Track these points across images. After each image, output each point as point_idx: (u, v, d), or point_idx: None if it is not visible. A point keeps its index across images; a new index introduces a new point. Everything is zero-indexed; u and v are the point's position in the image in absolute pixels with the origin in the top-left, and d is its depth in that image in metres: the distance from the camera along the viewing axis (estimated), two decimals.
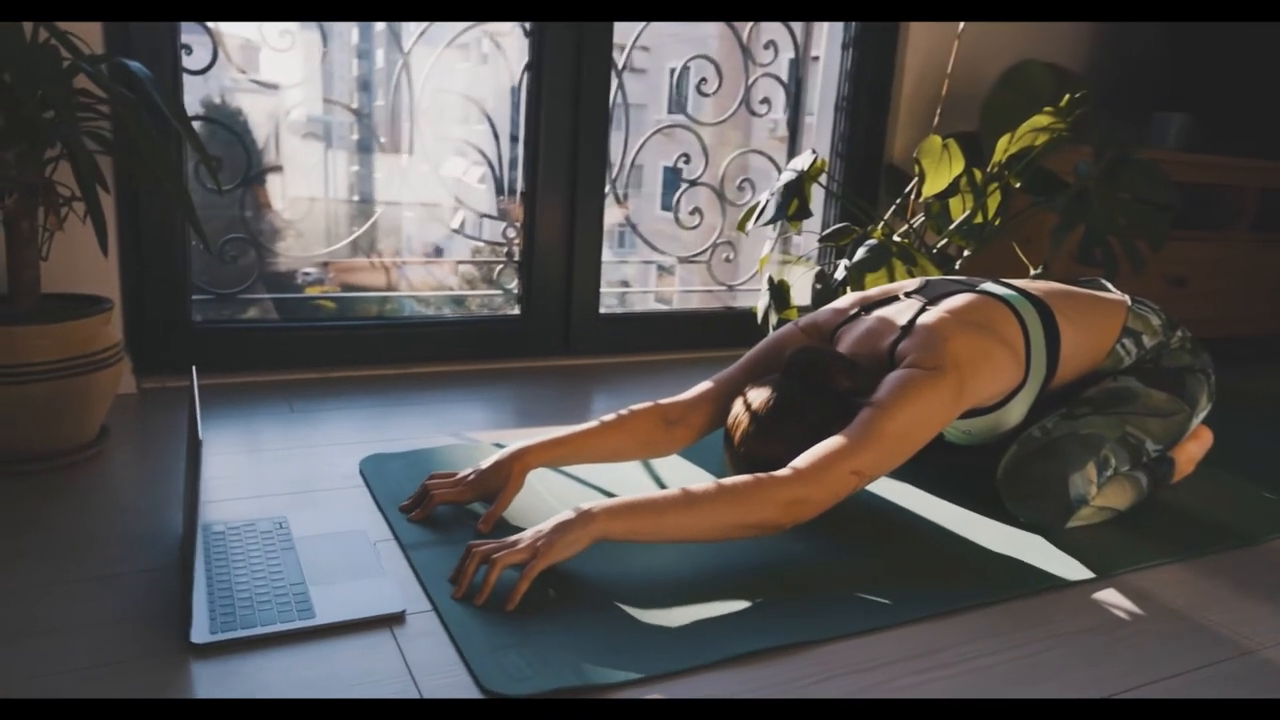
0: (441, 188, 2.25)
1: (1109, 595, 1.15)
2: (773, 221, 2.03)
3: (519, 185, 2.12)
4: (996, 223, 1.93)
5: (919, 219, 2.05)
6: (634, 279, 2.72)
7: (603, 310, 2.18)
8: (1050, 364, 1.34)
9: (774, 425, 1.24)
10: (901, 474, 1.51)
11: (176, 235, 1.73)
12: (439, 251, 2.39)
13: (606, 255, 2.78)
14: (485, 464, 1.25)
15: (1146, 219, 1.78)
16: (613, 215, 2.47)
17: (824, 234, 2.19)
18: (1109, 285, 1.56)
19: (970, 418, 1.35)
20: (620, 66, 2.21)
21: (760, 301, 2.11)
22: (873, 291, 1.46)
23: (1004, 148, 1.85)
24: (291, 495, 1.29)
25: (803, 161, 2.06)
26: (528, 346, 2.10)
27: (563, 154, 2.04)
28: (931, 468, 1.54)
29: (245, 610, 0.96)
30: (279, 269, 2.09)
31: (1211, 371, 1.48)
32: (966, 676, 0.95)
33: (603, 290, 2.24)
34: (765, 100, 2.51)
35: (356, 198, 2.21)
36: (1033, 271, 1.83)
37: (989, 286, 1.39)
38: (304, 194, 2.63)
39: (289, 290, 2.07)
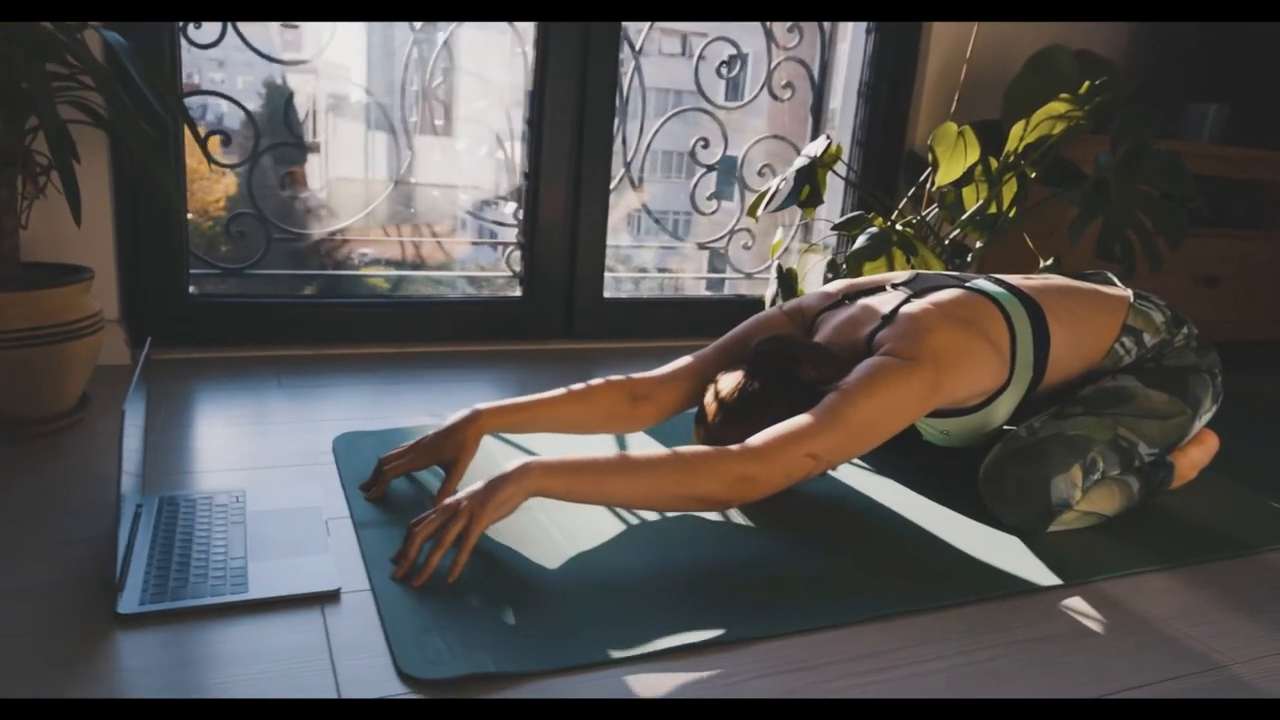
0: (494, 170, 2.24)
1: (1078, 603, 1.10)
2: (783, 208, 1.99)
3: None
4: (1011, 214, 1.86)
5: (933, 209, 1.99)
6: (685, 265, 2.69)
7: (608, 294, 2.15)
8: (1038, 365, 1.29)
9: (738, 414, 1.21)
10: (886, 470, 1.47)
11: (173, 209, 1.75)
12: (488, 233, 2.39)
13: (626, 240, 2.77)
14: (437, 429, 1.24)
15: (1165, 214, 1.70)
16: (630, 200, 2.44)
17: (837, 222, 2.14)
18: (1114, 279, 1.49)
19: (951, 417, 1.30)
20: (638, 48, 2.18)
21: (768, 289, 2.08)
22: (862, 280, 1.42)
23: (1018, 135, 1.78)
24: (261, 470, 1.29)
25: (816, 147, 2.01)
26: (530, 329, 2.09)
27: (567, 134, 2.02)
28: (916, 464, 1.50)
29: (179, 582, 0.96)
30: (333, 248, 2.13)
31: (1219, 371, 1.41)
32: (906, 681, 0.91)
33: (622, 274, 2.23)
34: (789, 85, 2.46)
35: (388, 178, 2.21)
36: (1042, 264, 1.76)
37: (979, 283, 1.34)
38: (342, 174, 2.64)
39: (344, 269, 2.10)
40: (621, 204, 2.51)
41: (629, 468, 1.04)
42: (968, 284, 1.34)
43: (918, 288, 1.34)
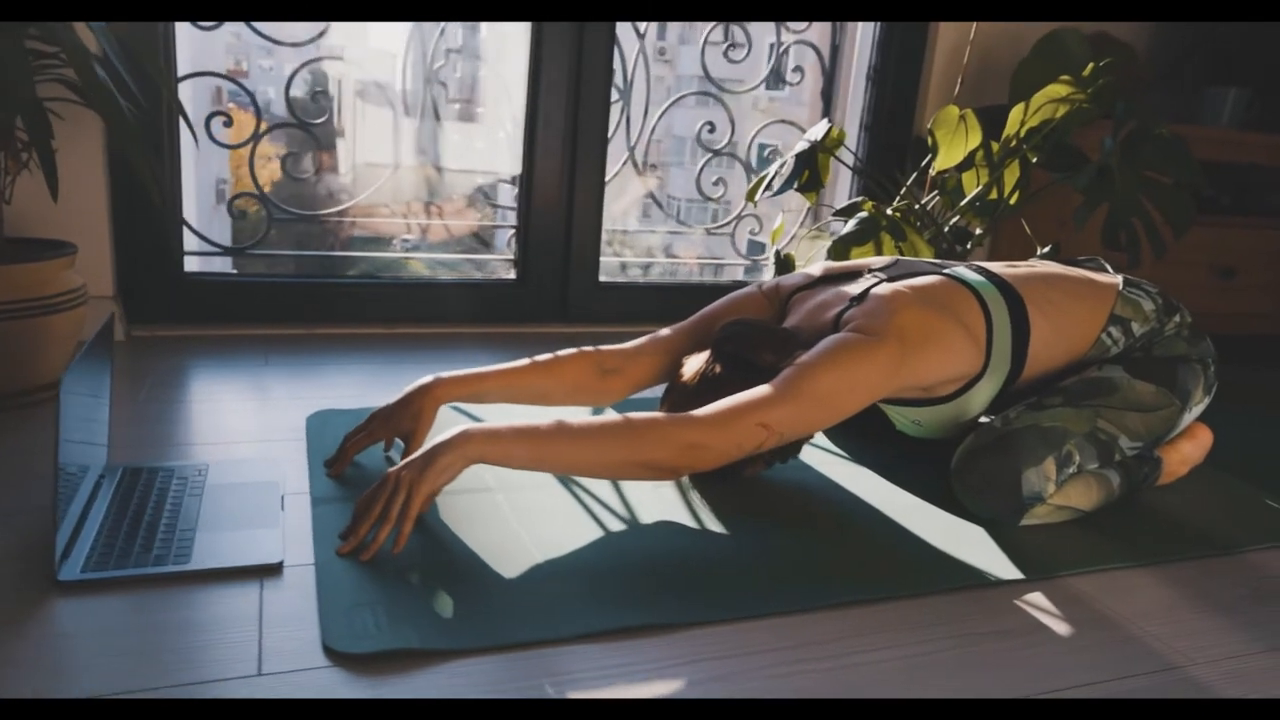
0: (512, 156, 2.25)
1: (1039, 598, 1.06)
2: (780, 192, 1.97)
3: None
4: (1013, 200, 1.81)
5: (934, 195, 1.95)
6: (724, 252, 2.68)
7: (603, 278, 2.14)
8: (1017, 357, 1.25)
9: (699, 397, 1.19)
10: (862, 458, 1.44)
11: (170, 188, 1.77)
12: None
13: (633, 225, 2.75)
14: (394, 399, 1.23)
15: (1170, 201, 1.64)
16: (639, 186, 2.43)
17: (839, 208, 2.11)
18: (1106, 265, 1.44)
19: (923, 406, 1.27)
20: (641, 32, 2.16)
21: (767, 274, 2.05)
22: (842, 263, 1.39)
23: (1018, 119, 1.74)
24: (233, 445, 1.30)
25: (817, 131, 1.98)
26: (524, 312, 2.09)
27: (562, 117, 2.00)
28: (894, 453, 1.47)
29: (123, 552, 0.97)
30: (368, 233, 2.17)
31: (1211, 362, 1.36)
32: (839, 672, 0.89)
33: (630, 259, 2.21)
34: (798, 69, 2.43)
35: (399, 162, 2.23)
36: (1039, 251, 1.71)
37: (959, 271, 1.30)
38: (364, 157, 2.64)
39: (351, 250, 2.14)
40: (631, 188, 2.50)
41: (574, 433, 1.03)
42: (946, 271, 1.30)
43: (895, 273, 1.31)
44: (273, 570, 0.98)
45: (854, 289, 1.28)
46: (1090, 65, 1.67)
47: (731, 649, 0.91)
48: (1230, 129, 2.09)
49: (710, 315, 1.37)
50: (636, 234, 2.71)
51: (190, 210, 1.89)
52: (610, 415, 1.05)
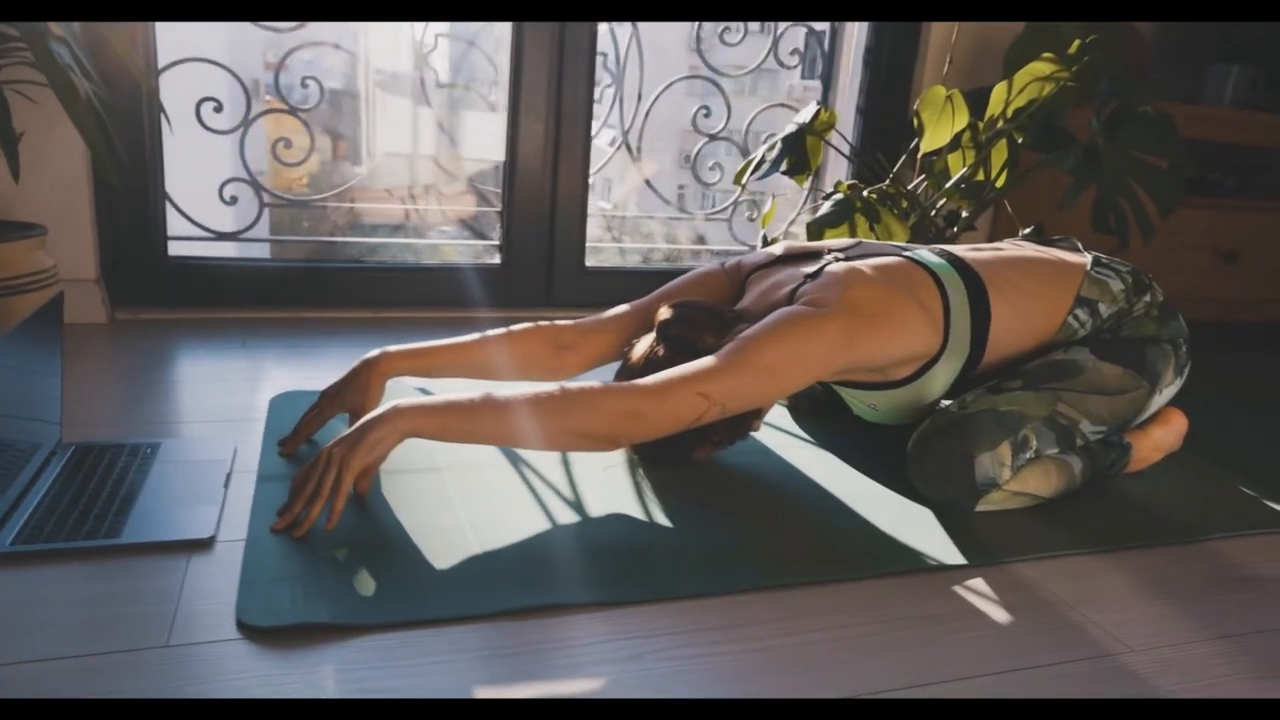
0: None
1: (980, 584, 1.04)
2: (766, 175, 1.95)
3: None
4: (999, 181, 1.78)
5: (922, 177, 1.92)
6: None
7: (590, 263, 2.13)
8: (976, 342, 1.22)
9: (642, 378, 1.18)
10: (823, 442, 1.42)
11: (153, 171, 1.79)
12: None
13: (635, 212, 2.74)
14: (342, 375, 1.24)
15: (1156, 181, 1.60)
16: (633, 175, 2.42)
17: (828, 193, 2.08)
18: (1079, 245, 1.41)
19: (879, 390, 1.25)
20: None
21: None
22: (804, 244, 1.37)
23: (1001, 98, 1.70)
24: (192, 424, 1.32)
25: (806, 114, 1.96)
26: (509, 297, 2.09)
27: (544, 101, 2.00)
28: (859, 438, 1.45)
29: (56, 526, 0.98)
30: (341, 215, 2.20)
31: (1183, 342, 1.32)
32: (752, 655, 0.88)
33: (629, 245, 2.20)
34: (795, 52, 2.39)
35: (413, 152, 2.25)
36: (1021, 232, 1.68)
37: (920, 253, 1.28)
38: (388, 148, 2.66)
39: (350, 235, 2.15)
40: (629, 175, 2.48)
41: (509, 404, 1.02)
42: (906, 253, 1.28)
43: (855, 253, 1.29)
44: (202, 546, 0.99)
45: (810, 268, 1.26)
46: (1076, 42, 1.63)
47: (652, 629, 0.90)
48: (1233, 108, 2.03)
49: (669, 293, 1.36)
50: (635, 220, 2.70)
51: (215, 198, 1.94)
52: (548, 386, 1.05)
